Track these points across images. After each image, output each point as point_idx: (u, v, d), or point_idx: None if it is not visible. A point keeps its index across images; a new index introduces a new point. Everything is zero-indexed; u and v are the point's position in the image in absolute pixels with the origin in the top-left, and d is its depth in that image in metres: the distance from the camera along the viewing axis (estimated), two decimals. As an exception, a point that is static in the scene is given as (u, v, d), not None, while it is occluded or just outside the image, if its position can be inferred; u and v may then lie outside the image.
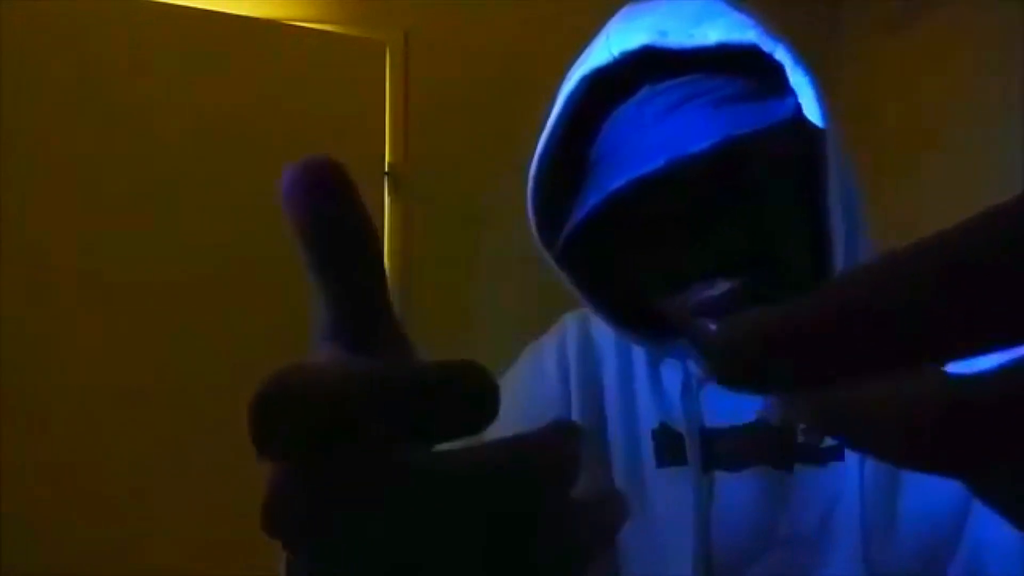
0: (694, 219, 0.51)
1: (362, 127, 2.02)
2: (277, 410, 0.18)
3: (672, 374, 0.61)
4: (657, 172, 0.48)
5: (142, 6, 1.78)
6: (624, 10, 0.57)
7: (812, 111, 0.51)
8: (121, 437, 1.69)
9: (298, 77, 1.92)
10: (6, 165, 1.64)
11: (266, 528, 0.19)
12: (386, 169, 2.06)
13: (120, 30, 1.76)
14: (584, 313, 0.67)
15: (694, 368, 0.59)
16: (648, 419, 0.60)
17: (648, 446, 0.59)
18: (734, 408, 0.57)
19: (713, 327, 0.53)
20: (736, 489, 0.56)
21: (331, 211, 0.21)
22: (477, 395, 0.20)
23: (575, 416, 0.62)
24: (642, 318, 0.60)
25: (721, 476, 0.57)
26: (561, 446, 0.21)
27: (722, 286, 0.51)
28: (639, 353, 0.63)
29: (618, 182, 0.49)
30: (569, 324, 0.67)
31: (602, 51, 0.54)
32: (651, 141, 0.50)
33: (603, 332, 0.65)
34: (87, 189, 1.72)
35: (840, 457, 0.54)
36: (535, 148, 0.58)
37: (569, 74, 0.57)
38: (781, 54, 0.51)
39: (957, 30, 2.15)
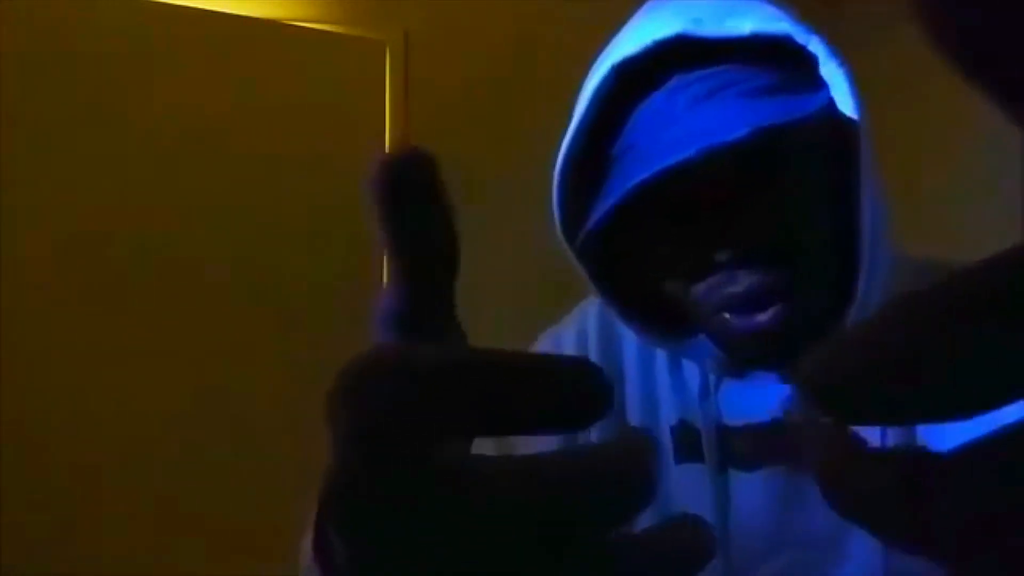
0: (721, 210, 0.51)
1: (362, 127, 2.02)
2: (379, 382, 0.18)
3: (693, 369, 0.61)
4: (687, 162, 0.47)
5: (142, 6, 1.78)
6: (652, 1, 0.56)
7: (845, 105, 0.51)
8: (122, 438, 1.69)
9: (298, 77, 1.92)
10: (5, 165, 1.64)
11: (325, 515, 0.18)
12: (386, 169, 2.06)
13: (120, 30, 1.76)
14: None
15: (712, 365, 0.59)
16: (668, 414, 0.60)
17: (667, 441, 0.59)
18: (752, 407, 0.57)
19: (733, 321, 0.52)
20: (752, 488, 0.56)
21: (416, 204, 0.21)
22: (590, 388, 0.19)
23: None
24: (660, 315, 0.59)
25: (738, 475, 0.57)
26: (637, 462, 0.19)
27: (745, 280, 0.50)
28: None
29: (648, 171, 0.48)
30: (589, 312, 0.66)
31: (632, 40, 0.53)
32: (682, 130, 0.49)
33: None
34: (86, 189, 1.72)
35: None
36: (562, 139, 0.56)
37: (597, 64, 0.56)
38: (815, 46, 0.51)
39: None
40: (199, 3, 1.88)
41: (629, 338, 0.63)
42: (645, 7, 0.56)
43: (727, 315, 0.52)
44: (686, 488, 0.57)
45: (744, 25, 0.51)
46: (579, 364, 0.19)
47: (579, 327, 0.65)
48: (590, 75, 0.56)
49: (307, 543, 0.30)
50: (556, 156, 0.57)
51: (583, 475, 0.18)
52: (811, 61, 0.52)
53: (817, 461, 0.15)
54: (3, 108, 1.65)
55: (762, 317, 0.51)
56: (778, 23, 0.51)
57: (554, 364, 0.19)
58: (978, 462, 0.14)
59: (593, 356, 0.63)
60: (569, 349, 0.64)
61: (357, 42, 2.03)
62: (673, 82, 0.52)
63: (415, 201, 0.21)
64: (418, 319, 0.22)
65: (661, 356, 0.62)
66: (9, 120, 1.65)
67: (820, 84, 0.52)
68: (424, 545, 0.17)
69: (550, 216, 0.58)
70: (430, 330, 0.22)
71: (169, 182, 1.78)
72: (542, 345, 0.67)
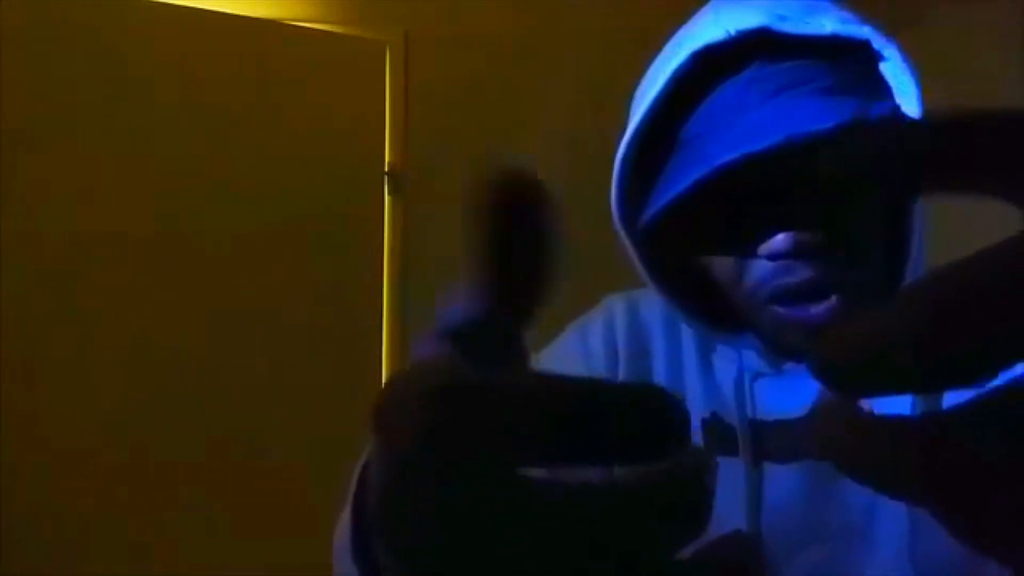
0: (787, 201, 0.52)
1: (362, 127, 2.02)
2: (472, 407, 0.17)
3: (723, 364, 0.61)
4: (764, 151, 0.48)
5: (142, 6, 1.79)
6: None
7: (912, 112, 0.53)
8: (122, 437, 1.69)
9: (298, 77, 1.92)
10: (6, 164, 1.64)
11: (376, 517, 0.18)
12: (386, 169, 2.07)
13: (120, 30, 1.76)
14: (630, 295, 0.67)
15: (749, 360, 0.60)
16: (699, 408, 0.60)
17: (698, 436, 0.60)
18: (785, 401, 0.57)
19: (784, 312, 0.53)
20: (786, 481, 0.56)
21: (523, 229, 0.20)
22: (663, 417, 0.19)
23: None
24: (705, 306, 0.60)
25: (771, 468, 0.57)
26: (696, 481, 0.18)
27: (800, 273, 0.51)
28: (688, 340, 0.63)
29: (731, 155, 0.49)
30: (615, 305, 0.67)
31: (714, 28, 0.53)
32: (761, 120, 0.50)
33: (652, 317, 0.65)
34: (87, 189, 1.72)
35: None
36: (630, 121, 0.57)
37: (671, 48, 0.56)
38: (891, 52, 0.53)
39: (957, 30, 2.15)
40: (199, 3, 1.88)
41: (657, 333, 0.64)
42: None
43: (778, 306, 0.53)
44: (719, 482, 0.57)
45: (826, 25, 0.52)
46: (657, 393, 0.19)
47: (606, 322, 0.66)
48: (661, 60, 0.57)
49: (341, 542, 0.30)
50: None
51: (644, 501, 0.18)
52: (873, 65, 0.53)
53: (822, 429, 0.16)
54: (3, 108, 1.65)
55: (814, 310, 0.52)
56: (858, 26, 0.53)
57: (632, 393, 0.19)
58: (972, 420, 0.15)
59: (621, 351, 0.64)
60: (597, 343, 0.64)
61: (357, 42, 2.03)
62: (749, 73, 0.52)
63: (527, 226, 0.20)
64: (491, 338, 0.21)
65: (689, 352, 0.63)
66: (10, 120, 1.66)
67: (883, 88, 0.53)
68: (483, 568, 0.17)
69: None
70: (497, 350, 0.21)
71: (168, 181, 1.78)
72: (568, 340, 0.67)
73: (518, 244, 0.20)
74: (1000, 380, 0.15)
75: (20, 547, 1.53)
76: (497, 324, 0.21)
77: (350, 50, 2.01)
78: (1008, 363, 0.14)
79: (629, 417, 0.18)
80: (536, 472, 0.18)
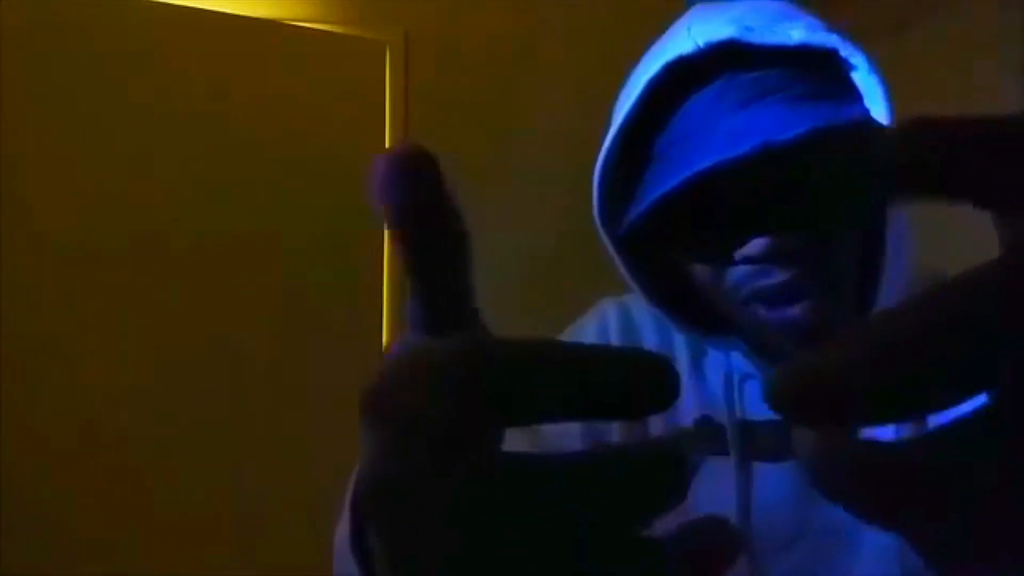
0: (764, 205, 0.53)
1: (362, 127, 2.02)
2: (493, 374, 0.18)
3: (714, 366, 0.63)
4: (740, 157, 0.50)
5: (142, 6, 1.79)
6: (701, 6, 0.59)
7: (882, 118, 0.54)
8: (122, 437, 1.69)
9: (298, 77, 1.92)
10: (6, 164, 1.64)
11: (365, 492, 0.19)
12: (386, 169, 2.06)
13: (120, 30, 1.76)
14: (623, 299, 0.69)
15: (737, 361, 0.61)
16: (690, 410, 0.61)
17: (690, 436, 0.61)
18: None
19: (764, 313, 0.55)
20: (775, 480, 0.57)
21: (419, 202, 0.21)
22: (653, 375, 0.20)
23: None
24: (688, 309, 0.62)
25: (760, 467, 0.58)
26: (676, 452, 0.19)
27: (777, 275, 0.53)
28: (680, 343, 0.65)
29: (708, 161, 0.50)
30: (609, 309, 0.68)
31: (685, 41, 0.55)
32: (735, 128, 0.52)
33: (644, 320, 0.67)
34: (86, 189, 1.72)
35: None
36: (608, 130, 0.59)
37: (645, 61, 0.58)
38: (858, 60, 0.54)
39: (958, 32, 2.15)
40: (199, 3, 1.88)
41: (649, 337, 0.66)
42: (696, 9, 0.59)
43: (758, 307, 0.54)
44: (710, 481, 0.59)
45: (793, 35, 0.53)
46: (641, 353, 0.20)
47: (599, 325, 0.67)
48: (637, 72, 0.58)
49: (341, 538, 0.31)
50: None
51: (612, 475, 0.19)
52: (844, 71, 0.55)
53: (807, 454, 0.17)
54: (3, 108, 1.65)
55: (793, 311, 0.53)
56: (827, 35, 0.54)
57: (611, 353, 0.20)
58: (931, 451, 0.16)
59: None
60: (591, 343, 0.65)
61: (357, 42, 2.03)
62: (720, 83, 0.54)
63: (419, 197, 0.21)
64: (438, 315, 0.22)
65: (682, 354, 0.64)
66: (10, 120, 1.66)
67: (855, 94, 0.55)
68: (455, 539, 0.18)
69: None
70: (451, 324, 0.23)
71: (169, 182, 1.79)
72: (564, 338, 0.68)
73: (418, 216, 0.21)
74: (953, 412, 0.16)
75: (20, 547, 1.53)
76: (439, 300, 0.23)
77: (350, 50, 2.01)
78: (961, 397, 0.15)
79: (628, 374, 0.20)
80: (518, 447, 0.19)
